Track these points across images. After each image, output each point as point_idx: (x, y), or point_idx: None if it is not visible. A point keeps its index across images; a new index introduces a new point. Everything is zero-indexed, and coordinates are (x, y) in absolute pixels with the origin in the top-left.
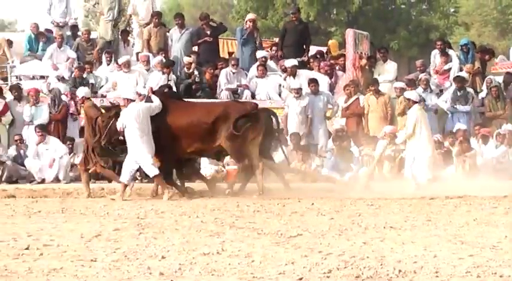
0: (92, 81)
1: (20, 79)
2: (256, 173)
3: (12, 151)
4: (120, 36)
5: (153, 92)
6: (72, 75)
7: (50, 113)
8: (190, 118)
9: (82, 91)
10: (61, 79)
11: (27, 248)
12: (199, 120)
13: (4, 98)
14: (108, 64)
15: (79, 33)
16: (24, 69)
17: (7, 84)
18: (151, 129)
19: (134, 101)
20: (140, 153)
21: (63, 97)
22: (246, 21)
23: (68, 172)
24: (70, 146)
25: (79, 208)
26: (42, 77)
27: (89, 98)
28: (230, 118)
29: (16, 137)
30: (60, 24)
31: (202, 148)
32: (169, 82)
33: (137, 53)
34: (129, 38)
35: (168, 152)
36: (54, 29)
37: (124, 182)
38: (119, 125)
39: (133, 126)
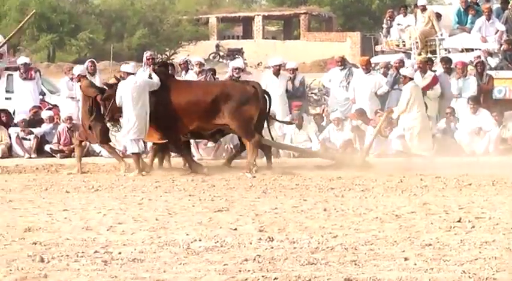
0: None
1: (449, 52)
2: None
3: (441, 124)
4: None
5: (154, 70)
6: (502, 48)
7: (478, 85)
8: (190, 97)
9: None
10: (490, 53)
11: (459, 221)
12: (198, 99)
13: (434, 71)
14: None
15: (508, 6)
16: (452, 42)
17: (436, 57)
18: (151, 107)
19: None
20: (126, 126)
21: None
22: None
23: (498, 145)
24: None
25: (510, 180)
26: (470, 50)
27: (85, 76)
28: (232, 98)
29: (447, 110)
30: None
31: (203, 126)
32: None
33: None
34: None
35: (169, 130)
36: (481, 2)
37: (135, 151)
38: (118, 99)
39: (128, 98)
